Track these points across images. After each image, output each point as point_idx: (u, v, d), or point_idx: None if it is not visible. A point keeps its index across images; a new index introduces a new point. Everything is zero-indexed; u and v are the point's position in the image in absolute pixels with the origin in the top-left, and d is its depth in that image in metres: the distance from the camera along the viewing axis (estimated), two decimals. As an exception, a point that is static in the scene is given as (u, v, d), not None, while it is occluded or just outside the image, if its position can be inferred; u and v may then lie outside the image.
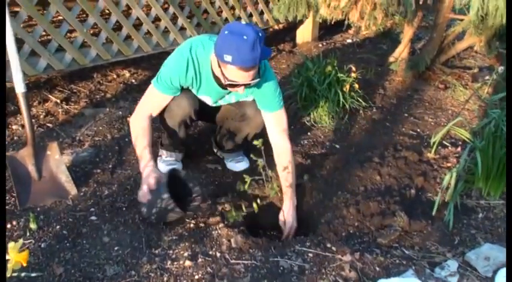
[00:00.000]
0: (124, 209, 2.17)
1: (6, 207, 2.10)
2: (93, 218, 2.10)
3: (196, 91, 2.24)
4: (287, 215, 2.25)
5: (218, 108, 2.44)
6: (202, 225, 2.11)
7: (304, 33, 4.74)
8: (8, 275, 1.16)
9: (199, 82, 2.17)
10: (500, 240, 2.05)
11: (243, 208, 2.08)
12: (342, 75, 3.29)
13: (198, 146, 2.80)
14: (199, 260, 1.87)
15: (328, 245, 1.99)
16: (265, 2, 4.32)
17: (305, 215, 2.36)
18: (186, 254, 1.90)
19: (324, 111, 3.18)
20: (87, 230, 2.02)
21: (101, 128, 2.87)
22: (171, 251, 1.92)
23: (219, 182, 2.52)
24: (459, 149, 2.80)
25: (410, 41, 4.05)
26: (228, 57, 1.85)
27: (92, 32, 3.18)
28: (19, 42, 2.27)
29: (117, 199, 2.24)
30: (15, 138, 2.66)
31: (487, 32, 3.45)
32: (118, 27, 3.21)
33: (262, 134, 2.36)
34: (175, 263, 1.86)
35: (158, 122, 2.39)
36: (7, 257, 1.16)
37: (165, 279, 1.78)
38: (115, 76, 3.62)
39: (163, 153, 2.54)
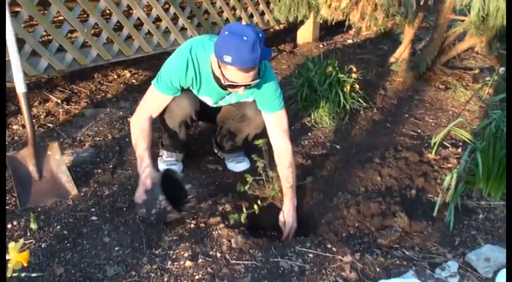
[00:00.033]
0: (124, 209, 2.18)
1: (7, 207, 2.10)
2: (93, 218, 2.10)
3: (196, 92, 2.24)
4: (287, 215, 2.25)
5: (219, 108, 2.44)
6: (202, 225, 2.11)
7: (305, 34, 4.74)
8: (9, 275, 1.16)
9: (199, 83, 2.17)
10: (501, 241, 2.05)
11: (244, 209, 2.07)
12: (342, 75, 3.29)
13: (198, 147, 2.80)
14: (200, 260, 1.87)
15: (329, 246, 1.99)
16: (266, 2, 4.32)
17: (305, 216, 2.36)
18: (186, 255, 1.90)
19: (325, 112, 3.18)
20: (88, 230, 2.02)
21: (101, 128, 2.87)
22: (171, 251, 1.92)
23: (219, 182, 2.52)
24: (460, 149, 2.80)
25: (411, 41, 4.05)
26: (227, 58, 1.85)
27: (92, 32, 3.18)
28: (20, 42, 2.27)
29: (118, 199, 2.24)
30: (16, 138, 2.66)
31: (488, 32, 3.45)
32: (119, 28, 3.21)
33: (263, 134, 2.36)
34: (176, 263, 1.86)
35: (159, 123, 2.39)
36: (8, 257, 1.16)
37: (166, 279, 1.78)
38: (116, 76, 3.62)
39: (163, 153, 2.54)
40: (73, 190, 2.25)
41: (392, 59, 4.12)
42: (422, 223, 2.17)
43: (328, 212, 2.30)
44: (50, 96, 3.15)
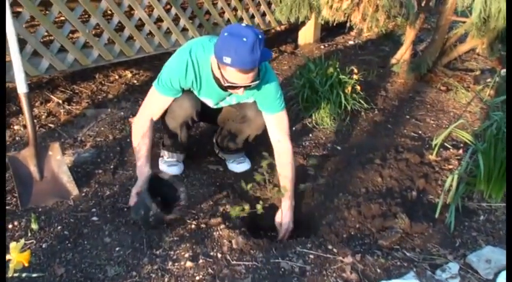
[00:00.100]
0: (125, 209, 2.18)
1: (8, 207, 2.11)
2: (94, 218, 2.10)
3: (197, 93, 2.25)
4: (284, 216, 2.25)
5: (219, 109, 2.44)
6: (203, 226, 2.11)
7: (306, 35, 4.74)
8: (10, 275, 1.16)
9: (199, 84, 2.17)
10: (502, 242, 2.05)
11: (246, 208, 2.08)
12: (343, 76, 3.29)
13: (199, 147, 2.80)
14: (200, 261, 1.87)
15: (329, 247, 1.99)
16: (267, 3, 4.32)
17: (306, 217, 2.36)
18: (187, 255, 1.90)
19: (326, 113, 3.18)
20: (89, 231, 2.02)
21: (102, 128, 2.87)
22: (172, 252, 1.92)
23: (220, 183, 2.52)
24: (461, 151, 2.80)
25: (412, 43, 4.05)
26: (227, 59, 1.86)
27: (94, 32, 3.18)
28: (21, 43, 2.27)
29: (119, 200, 2.24)
30: (17, 138, 2.66)
31: (489, 34, 3.44)
32: (120, 28, 3.21)
33: (264, 136, 2.36)
34: (176, 263, 1.86)
35: (160, 123, 2.39)
36: (9, 257, 1.17)
37: (166, 280, 1.78)
38: (117, 77, 3.62)
39: (164, 154, 2.54)
40: (74, 190, 2.25)
41: (393, 60, 4.12)
42: (423, 224, 2.17)
43: (329, 213, 2.30)
44: (51, 96, 3.16)
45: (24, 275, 1.64)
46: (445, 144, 2.88)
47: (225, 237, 2.03)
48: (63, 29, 2.92)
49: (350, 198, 2.36)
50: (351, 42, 4.91)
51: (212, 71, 2.08)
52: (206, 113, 2.39)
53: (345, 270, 1.83)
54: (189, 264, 1.85)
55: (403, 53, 4.07)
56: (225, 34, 1.87)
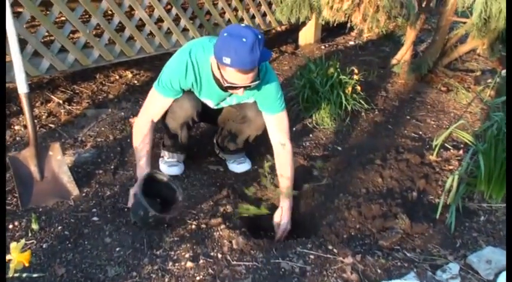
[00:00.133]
0: (126, 209, 2.18)
1: (8, 207, 2.11)
2: (94, 218, 2.10)
3: (198, 93, 2.25)
4: (282, 216, 2.25)
5: (220, 110, 2.44)
6: (203, 226, 2.11)
7: (307, 35, 4.74)
8: (10, 275, 1.16)
9: (199, 85, 2.17)
10: (502, 243, 2.05)
11: (250, 208, 2.09)
12: (344, 77, 3.29)
13: (200, 148, 2.80)
14: (201, 261, 1.87)
15: (330, 247, 1.99)
16: (267, 3, 4.32)
17: (307, 217, 2.36)
18: (187, 255, 1.90)
19: (326, 113, 3.18)
20: (89, 231, 2.02)
21: (103, 128, 2.87)
22: (172, 252, 1.92)
23: (220, 183, 2.52)
24: (461, 151, 2.79)
25: (413, 43, 4.05)
26: (226, 60, 1.86)
27: (94, 32, 3.18)
28: (22, 43, 2.27)
29: (119, 200, 2.24)
30: (18, 138, 2.66)
31: (490, 35, 3.44)
32: (121, 28, 3.21)
33: (264, 136, 2.36)
34: (177, 264, 1.86)
35: (161, 123, 2.39)
36: (9, 257, 1.17)
37: (167, 280, 1.78)
38: (117, 77, 3.62)
39: (165, 154, 2.54)
40: (74, 190, 2.25)
41: (394, 61, 4.12)
42: (424, 225, 2.17)
43: (329, 213, 2.30)
44: (52, 96, 3.16)
45: (24, 275, 1.65)
46: (446, 144, 2.88)
47: (226, 237, 2.03)
48: (64, 29, 2.92)
49: (350, 199, 2.36)
50: (352, 43, 4.92)
51: (212, 72, 2.08)
52: (206, 114, 2.39)
53: (345, 271, 1.83)
54: (189, 264, 1.85)
55: (404, 54, 4.07)
56: (225, 34, 1.88)
